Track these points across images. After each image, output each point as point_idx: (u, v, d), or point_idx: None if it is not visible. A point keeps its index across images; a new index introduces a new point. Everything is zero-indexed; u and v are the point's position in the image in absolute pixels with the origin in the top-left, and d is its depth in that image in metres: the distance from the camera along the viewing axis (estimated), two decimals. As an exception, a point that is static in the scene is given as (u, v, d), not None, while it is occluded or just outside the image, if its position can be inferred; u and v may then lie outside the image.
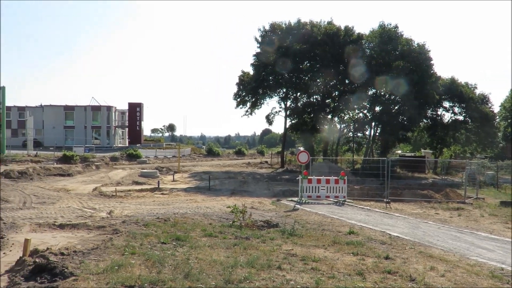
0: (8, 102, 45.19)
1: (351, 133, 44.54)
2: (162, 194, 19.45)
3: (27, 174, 22.92)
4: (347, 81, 38.20)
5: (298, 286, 5.65)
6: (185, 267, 6.16)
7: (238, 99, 42.42)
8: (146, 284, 5.31)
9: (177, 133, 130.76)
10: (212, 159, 52.22)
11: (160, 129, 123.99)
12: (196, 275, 5.79)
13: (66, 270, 5.72)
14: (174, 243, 7.90)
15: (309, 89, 39.48)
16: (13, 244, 7.94)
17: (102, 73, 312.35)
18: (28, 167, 26.06)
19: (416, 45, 37.11)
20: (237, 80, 42.58)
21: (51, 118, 58.82)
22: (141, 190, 20.08)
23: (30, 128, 45.41)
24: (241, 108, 42.94)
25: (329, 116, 41.38)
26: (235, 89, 42.74)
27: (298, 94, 41.67)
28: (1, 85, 37.07)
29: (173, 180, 25.86)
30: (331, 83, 39.20)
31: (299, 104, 41.67)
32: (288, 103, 43.06)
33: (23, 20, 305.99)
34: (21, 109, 59.41)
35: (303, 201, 17.07)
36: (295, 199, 17.76)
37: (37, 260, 6.20)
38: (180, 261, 6.52)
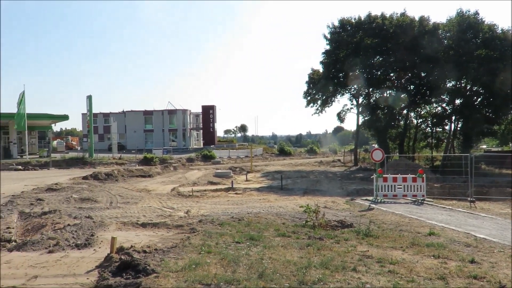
0: (95, 109, 48.88)
1: (429, 128, 42.24)
2: (236, 193, 19.81)
3: (112, 176, 24.62)
4: (423, 74, 36.30)
5: (375, 290, 5.48)
6: (259, 267, 6.23)
7: (309, 98, 42.17)
8: (221, 283, 5.46)
9: (249, 133, 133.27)
10: (283, 158, 52.36)
11: (232, 130, 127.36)
12: (270, 275, 5.83)
13: (148, 267, 6.08)
14: (248, 242, 8.03)
15: (381, 85, 38.09)
16: (102, 241, 8.56)
17: (177, 78, 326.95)
18: (114, 169, 28.09)
19: (500, 31, 34.25)
20: (307, 79, 42.37)
21: (133, 122, 62.90)
22: (216, 190, 20.61)
23: (114, 132, 48.76)
24: (311, 106, 42.66)
25: (405, 111, 39.61)
26: (305, 87, 42.60)
27: (370, 90, 40.37)
28: (88, 94, 40.31)
29: (246, 180, 26.28)
30: (405, 77, 37.49)
31: (371, 100, 40.39)
32: (360, 100, 41.96)
33: (108, 35, 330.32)
34: (106, 116, 64.22)
35: (379, 200, 16.49)
36: (370, 198, 17.19)
37: (122, 257, 6.65)
38: (254, 260, 6.61)
